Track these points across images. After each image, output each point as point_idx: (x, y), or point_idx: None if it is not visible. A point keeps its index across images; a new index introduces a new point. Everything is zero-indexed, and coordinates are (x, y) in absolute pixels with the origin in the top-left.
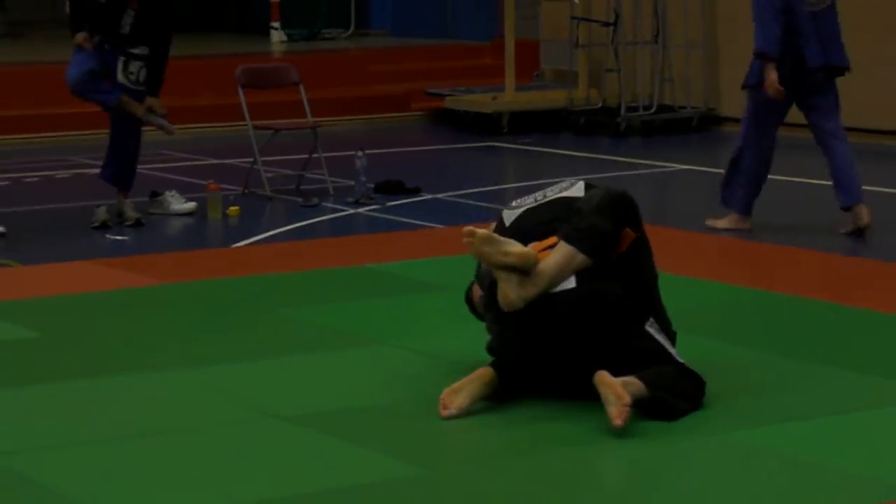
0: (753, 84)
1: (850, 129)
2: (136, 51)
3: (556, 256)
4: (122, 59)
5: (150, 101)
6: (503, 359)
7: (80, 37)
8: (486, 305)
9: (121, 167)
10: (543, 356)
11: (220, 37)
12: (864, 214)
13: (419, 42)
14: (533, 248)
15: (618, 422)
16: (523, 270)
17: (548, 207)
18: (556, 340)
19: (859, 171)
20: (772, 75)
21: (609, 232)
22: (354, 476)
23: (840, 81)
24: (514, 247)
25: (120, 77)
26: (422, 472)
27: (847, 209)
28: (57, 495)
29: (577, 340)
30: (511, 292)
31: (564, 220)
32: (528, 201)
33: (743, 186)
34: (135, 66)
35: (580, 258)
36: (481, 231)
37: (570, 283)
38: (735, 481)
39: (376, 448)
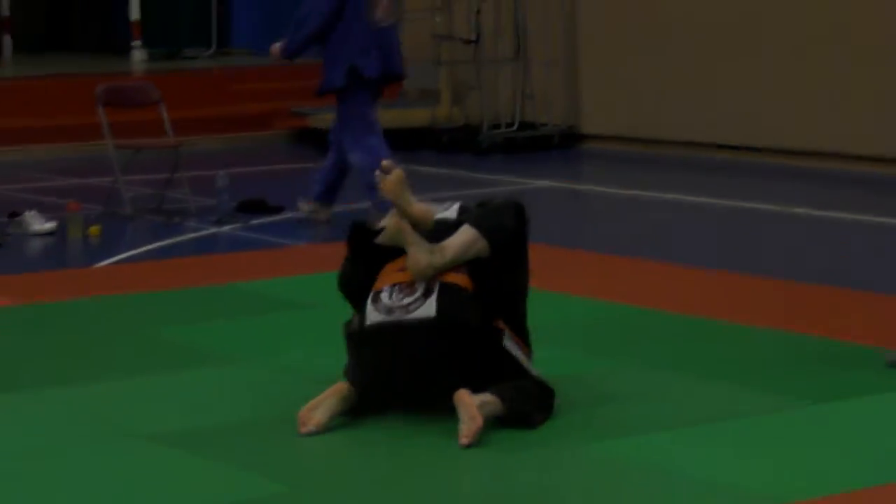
0: (343, 87)
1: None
2: None
3: (462, 236)
4: None
5: None
6: (362, 381)
7: None
8: (350, 330)
9: None
10: (401, 380)
11: (80, 56)
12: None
13: (282, 61)
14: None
15: (464, 440)
16: (416, 226)
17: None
18: (413, 366)
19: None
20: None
21: (512, 229)
22: (217, 494)
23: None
24: (417, 203)
25: None
26: (283, 489)
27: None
28: None
29: (433, 366)
30: (422, 258)
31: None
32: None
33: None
34: None
35: (482, 244)
36: (397, 171)
37: (431, 310)
38: (598, 491)
39: (238, 465)
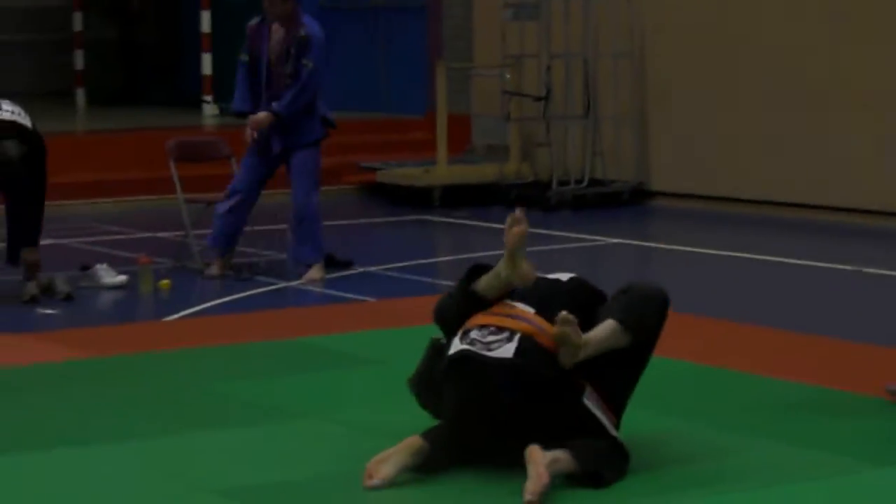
0: (322, 137)
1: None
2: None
3: (605, 332)
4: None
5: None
6: (437, 414)
7: None
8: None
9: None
10: (476, 414)
11: (152, 110)
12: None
13: (352, 116)
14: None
15: (527, 497)
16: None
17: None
18: (488, 402)
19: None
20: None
21: (653, 326)
22: None
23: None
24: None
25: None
26: None
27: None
28: None
29: (506, 407)
30: (566, 360)
31: (577, 290)
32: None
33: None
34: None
35: (625, 339)
36: (525, 224)
37: (509, 352)
38: None
39: None
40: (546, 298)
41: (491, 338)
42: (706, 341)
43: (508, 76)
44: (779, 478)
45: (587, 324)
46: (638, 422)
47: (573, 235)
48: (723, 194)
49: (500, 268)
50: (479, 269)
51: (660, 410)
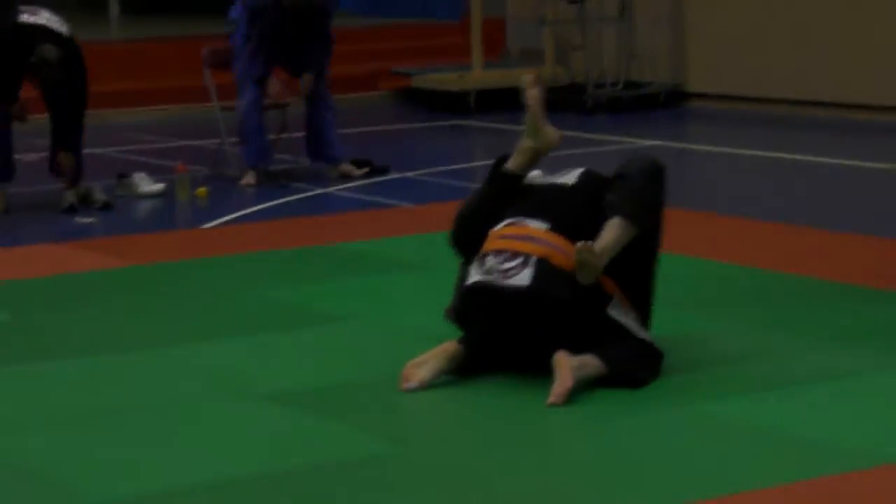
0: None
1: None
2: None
3: (615, 233)
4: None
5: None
6: (467, 329)
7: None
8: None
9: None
10: (501, 341)
11: (186, 18)
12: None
13: (386, 21)
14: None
15: (551, 399)
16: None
17: (540, 189)
18: (510, 330)
19: None
20: None
21: (657, 204)
22: (330, 452)
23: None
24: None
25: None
26: (392, 448)
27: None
28: (29, 473)
29: (528, 333)
30: (587, 280)
31: (588, 193)
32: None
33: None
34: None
35: (633, 231)
36: (539, 87)
37: (524, 280)
38: (703, 451)
39: (346, 424)
40: (558, 210)
41: (507, 265)
42: (738, 241)
43: None
44: (822, 376)
45: (601, 219)
46: (670, 322)
47: (609, 138)
48: (759, 94)
49: (524, 140)
50: (506, 158)
51: (692, 310)
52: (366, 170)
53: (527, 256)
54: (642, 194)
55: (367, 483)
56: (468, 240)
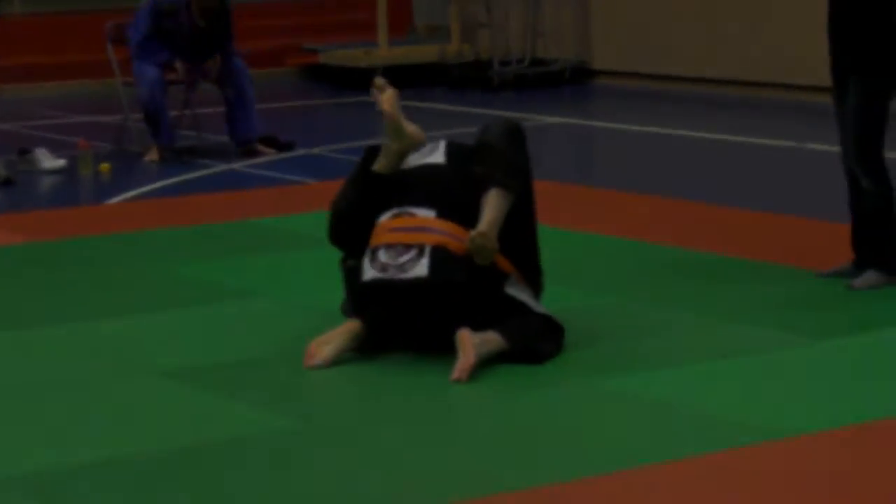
0: None
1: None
2: None
3: (497, 204)
4: None
5: None
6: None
7: None
8: (348, 266)
9: None
10: (401, 332)
11: None
12: None
13: None
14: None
15: (455, 374)
16: (409, 146)
17: (415, 174)
18: (411, 322)
19: None
20: None
21: (525, 165)
22: (228, 429)
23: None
24: (409, 125)
25: None
26: (294, 423)
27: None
28: None
29: (430, 322)
30: (485, 262)
31: (460, 168)
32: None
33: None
34: None
35: (511, 198)
36: (392, 89)
37: (423, 270)
38: (604, 426)
39: (247, 401)
40: (438, 193)
41: (402, 258)
42: (641, 217)
43: None
44: (712, 353)
45: (477, 191)
46: (570, 299)
47: (515, 115)
48: (663, 72)
49: (388, 142)
50: (374, 151)
51: (592, 287)
52: (273, 151)
53: (421, 247)
54: (510, 160)
55: (266, 458)
56: (347, 238)
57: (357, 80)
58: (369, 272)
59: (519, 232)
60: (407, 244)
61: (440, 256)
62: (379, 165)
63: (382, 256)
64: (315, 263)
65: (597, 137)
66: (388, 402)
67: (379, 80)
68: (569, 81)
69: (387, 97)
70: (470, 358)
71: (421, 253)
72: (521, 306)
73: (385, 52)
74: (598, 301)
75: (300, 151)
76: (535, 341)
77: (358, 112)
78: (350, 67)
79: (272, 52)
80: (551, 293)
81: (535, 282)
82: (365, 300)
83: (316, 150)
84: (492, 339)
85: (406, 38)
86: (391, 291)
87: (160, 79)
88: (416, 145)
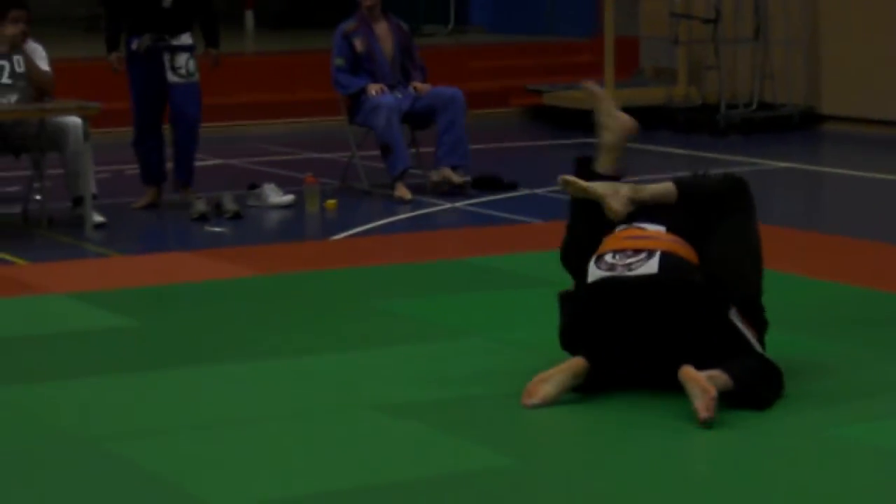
0: None
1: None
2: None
3: (665, 187)
4: (167, 55)
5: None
6: (584, 346)
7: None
8: (566, 293)
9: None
10: (625, 338)
11: (320, 31)
12: None
13: (519, 38)
14: None
15: (704, 414)
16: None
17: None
18: (636, 323)
19: None
20: None
21: (711, 188)
22: (445, 465)
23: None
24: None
25: (170, 77)
26: (513, 463)
27: None
28: (159, 479)
29: (656, 324)
30: (617, 205)
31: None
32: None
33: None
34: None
35: (673, 190)
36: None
37: (653, 267)
38: (830, 475)
39: (465, 438)
40: (668, 215)
41: (630, 259)
42: (869, 265)
43: None
44: None
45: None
46: (795, 345)
47: (742, 159)
48: (894, 118)
49: (602, 138)
50: (585, 161)
51: (816, 333)
52: (464, 179)
53: (650, 251)
54: (701, 178)
55: (481, 496)
56: (576, 254)
57: (581, 122)
58: (595, 274)
59: (745, 273)
60: (636, 249)
61: (670, 259)
62: (598, 165)
63: (610, 258)
64: (534, 302)
65: (823, 183)
66: (609, 444)
67: (585, 81)
68: (797, 126)
69: (593, 86)
70: (711, 392)
71: (650, 255)
72: (742, 340)
73: (611, 93)
74: (823, 348)
75: (523, 191)
76: (759, 385)
77: (581, 153)
78: (574, 109)
79: (497, 93)
80: (777, 338)
81: (757, 324)
82: (591, 303)
83: (539, 191)
84: (718, 377)
85: (632, 80)
86: (618, 290)
87: (394, 107)
88: (628, 133)
